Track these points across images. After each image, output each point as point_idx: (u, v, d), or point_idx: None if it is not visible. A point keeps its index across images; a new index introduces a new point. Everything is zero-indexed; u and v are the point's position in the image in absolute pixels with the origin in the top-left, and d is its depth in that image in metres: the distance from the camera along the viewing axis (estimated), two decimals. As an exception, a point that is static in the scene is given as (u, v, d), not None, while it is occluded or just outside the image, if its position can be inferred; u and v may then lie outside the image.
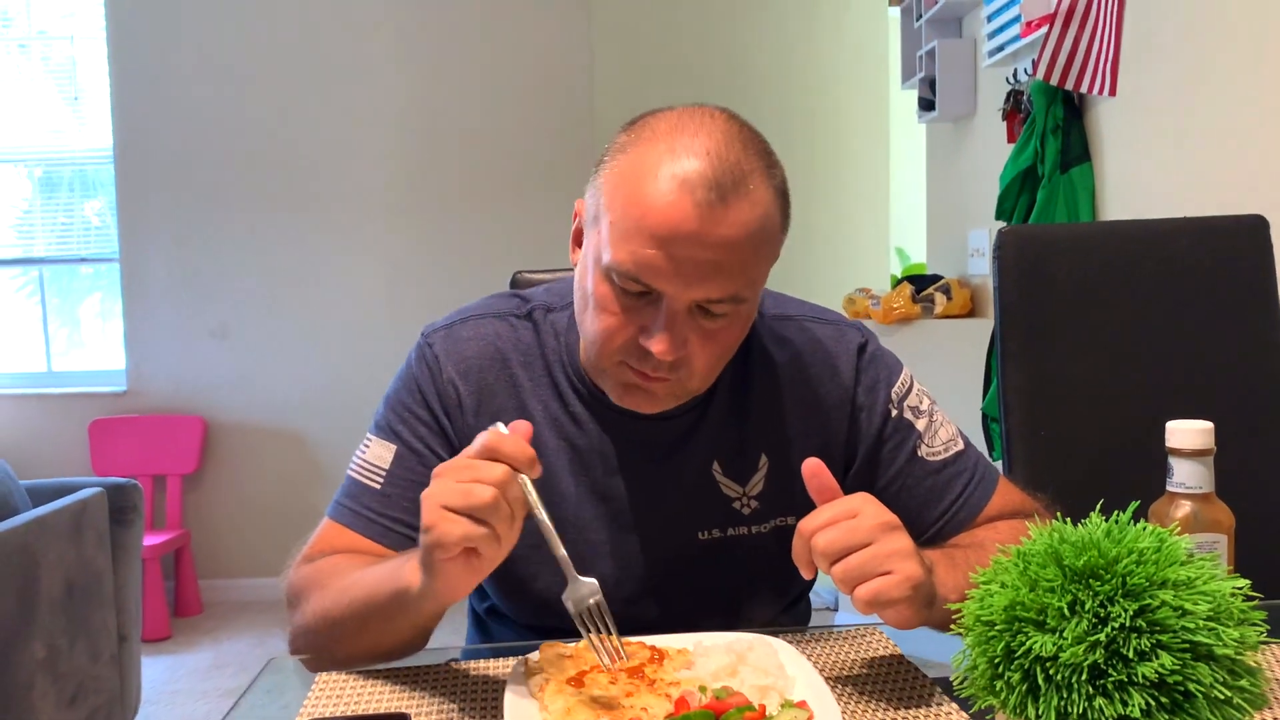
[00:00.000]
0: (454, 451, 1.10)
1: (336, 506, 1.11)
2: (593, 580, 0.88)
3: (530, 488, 0.86)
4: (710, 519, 1.12)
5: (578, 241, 1.07)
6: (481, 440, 0.86)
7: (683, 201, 0.93)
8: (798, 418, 1.13)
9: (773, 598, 1.19)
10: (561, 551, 0.89)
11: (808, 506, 0.98)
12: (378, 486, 1.09)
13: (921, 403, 1.15)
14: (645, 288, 0.96)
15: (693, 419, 1.11)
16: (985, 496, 1.13)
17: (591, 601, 0.87)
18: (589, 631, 0.86)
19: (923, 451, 1.13)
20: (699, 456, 1.11)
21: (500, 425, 0.88)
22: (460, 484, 0.83)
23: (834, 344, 1.15)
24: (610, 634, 0.87)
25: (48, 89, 4.47)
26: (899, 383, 1.15)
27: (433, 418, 1.11)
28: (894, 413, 1.13)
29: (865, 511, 0.89)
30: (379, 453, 1.11)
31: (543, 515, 0.87)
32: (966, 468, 1.14)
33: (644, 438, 1.11)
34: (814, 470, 0.93)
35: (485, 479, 0.83)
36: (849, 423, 1.13)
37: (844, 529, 0.87)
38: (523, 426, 0.88)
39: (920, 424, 1.14)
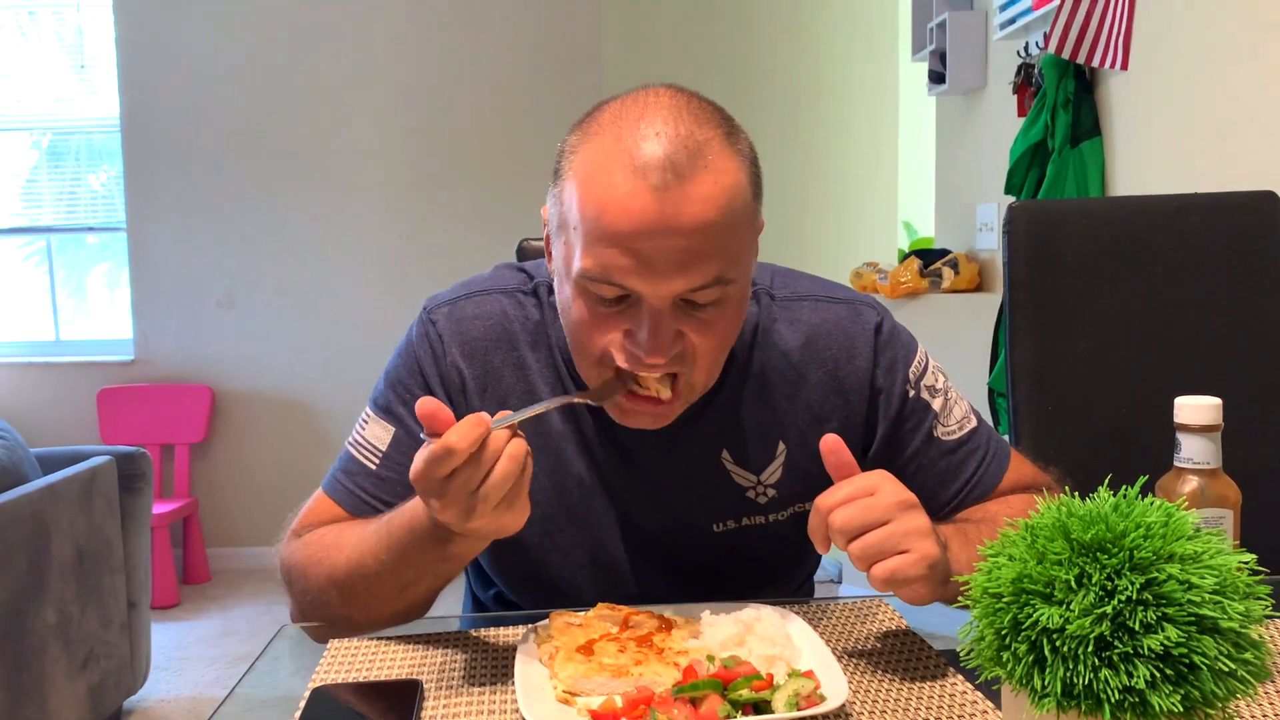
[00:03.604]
0: None
1: (332, 480, 1.10)
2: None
3: (504, 420, 0.86)
4: (724, 510, 1.10)
5: (550, 248, 1.03)
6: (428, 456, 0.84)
7: (638, 190, 0.87)
8: (815, 401, 1.10)
9: (786, 581, 1.20)
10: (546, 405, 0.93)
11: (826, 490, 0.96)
12: (373, 467, 1.07)
13: (937, 381, 1.13)
14: (621, 290, 0.91)
15: (697, 407, 1.07)
16: (999, 473, 1.13)
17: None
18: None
19: (939, 432, 1.11)
20: (705, 445, 1.09)
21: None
22: (455, 489, 0.83)
23: (850, 324, 1.11)
24: None
25: (55, 58, 4.46)
26: (915, 362, 1.12)
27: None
28: (911, 393, 1.11)
29: (883, 489, 0.88)
30: (377, 432, 1.08)
31: (519, 417, 0.88)
32: (980, 445, 1.13)
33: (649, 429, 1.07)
34: (833, 447, 0.92)
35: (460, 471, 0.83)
36: (868, 405, 1.11)
37: (862, 506, 0.87)
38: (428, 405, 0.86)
39: (936, 404, 1.12)
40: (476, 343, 1.09)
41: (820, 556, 1.23)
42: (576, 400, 0.95)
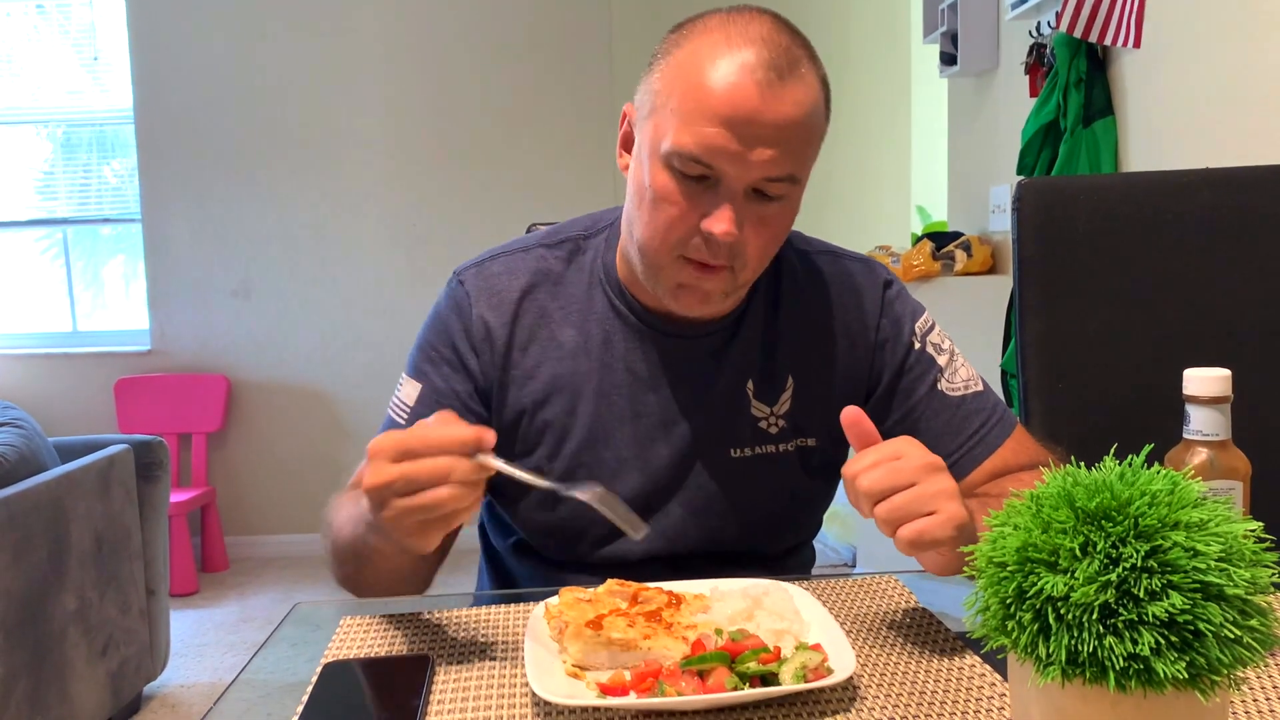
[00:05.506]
0: (476, 387, 1.14)
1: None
2: (590, 484, 0.92)
3: (490, 459, 0.85)
4: (741, 437, 1.15)
5: (626, 146, 1.10)
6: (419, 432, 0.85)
7: (744, 82, 0.97)
8: (824, 344, 1.16)
9: (790, 521, 1.22)
10: (546, 484, 0.91)
11: (828, 429, 1.06)
12: (403, 423, 1.14)
13: (943, 342, 1.19)
14: (706, 170, 0.99)
15: (724, 337, 1.14)
16: (1002, 436, 1.15)
17: (597, 490, 0.91)
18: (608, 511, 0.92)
19: (942, 386, 1.16)
20: (732, 375, 1.15)
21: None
22: (406, 474, 0.83)
23: (862, 278, 1.19)
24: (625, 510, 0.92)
25: (67, 50, 4.48)
26: (923, 320, 1.19)
27: (456, 356, 1.14)
28: (916, 345, 1.17)
29: (909, 454, 0.89)
30: (408, 391, 1.16)
31: (514, 473, 0.88)
32: (985, 407, 1.16)
33: (678, 355, 1.14)
34: (854, 419, 0.94)
35: (426, 473, 0.83)
36: (872, 352, 1.17)
37: (888, 469, 0.88)
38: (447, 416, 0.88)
39: (941, 360, 1.17)
40: (502, 295, 1.15)
41: (824, 512, 1.27)
42: (577, 495, 0.92)
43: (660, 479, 1.14)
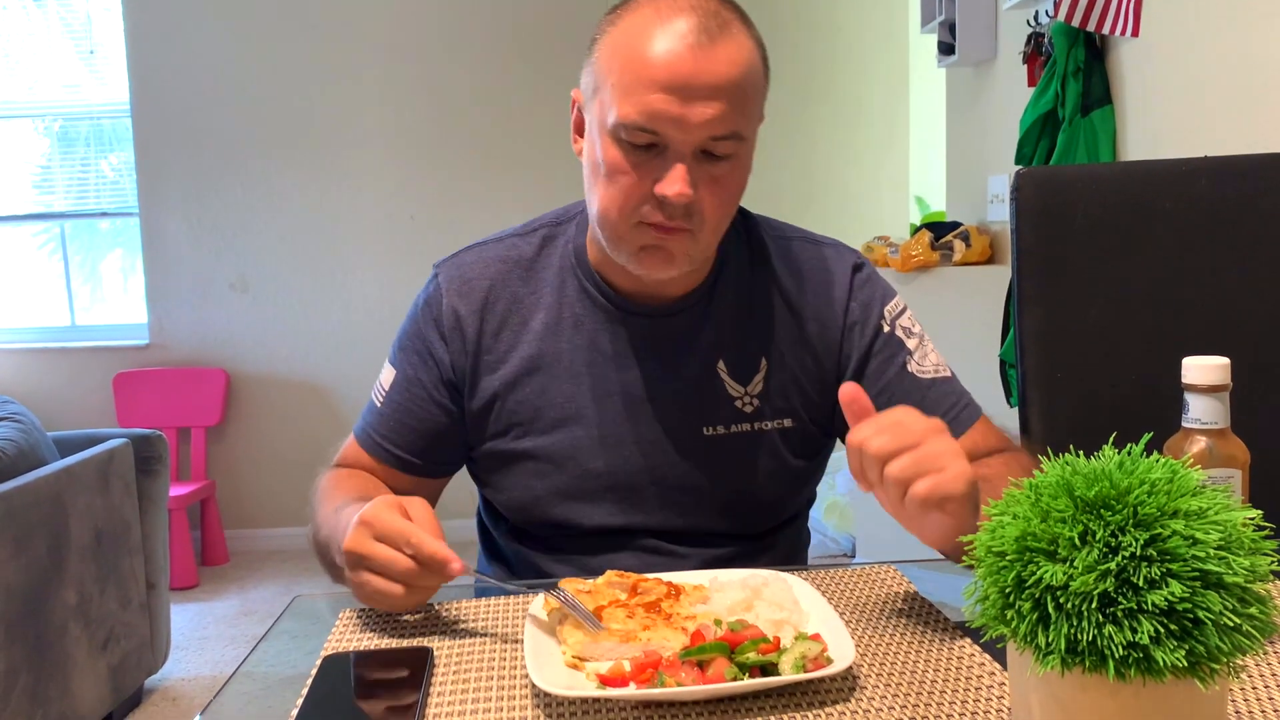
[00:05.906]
0: (440, 376, 1.18)
1: (358, 420, 1.24)
2: (555, 591, 0.92)
3: (458, 575, 0.92)
4: (715, 415, 1.17)
5: (578, 130, 1.13)
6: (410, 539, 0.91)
7: (677, 47, 1.00)
8: (795, 327, 1.18)
9: (771, 499, 1.22)
10: (515, 588, 1.01)
11: (803, 410, 1.11)
12: (379, 405, 1.21)
13: (914, 326, 1.20)
14: (652, 137, 1.02)
15: (694, 317, 1.16)
16: (969, 421, 1.17)
17: (557, 592, 0.91)
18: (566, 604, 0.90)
19: (912, 367, 1.17)
20: (703, 355, 1.16)
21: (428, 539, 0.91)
22: (379, 557, 0.91)
23: (832, 262, 1.21)
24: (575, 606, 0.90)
25: (64, 44, 4.46)
26: (893, 303, 1.20)
27: (424, 345, 1.19)
28: (886, 329, 1.18)
29: (911, 417, 0.90)
30: (386, 376, 1.22)
31: (491, 582, 1.01)
32: (953, 393, 1.18)
33: (648, 335, 1.16)
34: (852, 395, 0.94)
35: (395, 583, 0.91)
36: (842, 335, 1.18)
37: (894, 433, 0.88)
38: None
39: (911, 343, 1.18)
40: (472, 284, 1.19)
41: (814, 494, 1.29)
42: (545, 594, 0.93)
43: (633, 456, 1.16)
